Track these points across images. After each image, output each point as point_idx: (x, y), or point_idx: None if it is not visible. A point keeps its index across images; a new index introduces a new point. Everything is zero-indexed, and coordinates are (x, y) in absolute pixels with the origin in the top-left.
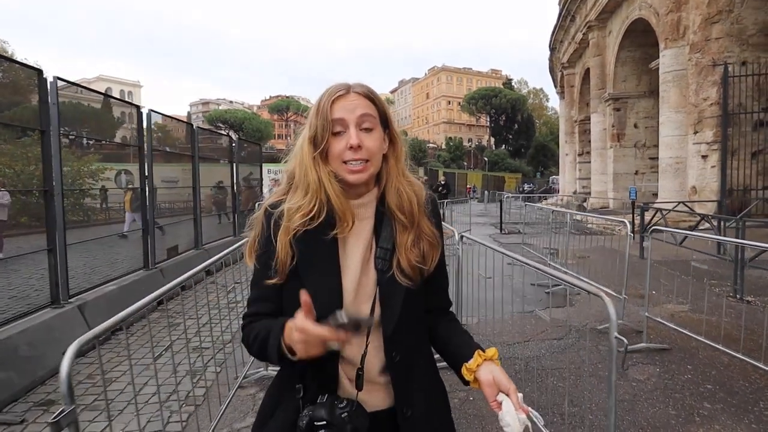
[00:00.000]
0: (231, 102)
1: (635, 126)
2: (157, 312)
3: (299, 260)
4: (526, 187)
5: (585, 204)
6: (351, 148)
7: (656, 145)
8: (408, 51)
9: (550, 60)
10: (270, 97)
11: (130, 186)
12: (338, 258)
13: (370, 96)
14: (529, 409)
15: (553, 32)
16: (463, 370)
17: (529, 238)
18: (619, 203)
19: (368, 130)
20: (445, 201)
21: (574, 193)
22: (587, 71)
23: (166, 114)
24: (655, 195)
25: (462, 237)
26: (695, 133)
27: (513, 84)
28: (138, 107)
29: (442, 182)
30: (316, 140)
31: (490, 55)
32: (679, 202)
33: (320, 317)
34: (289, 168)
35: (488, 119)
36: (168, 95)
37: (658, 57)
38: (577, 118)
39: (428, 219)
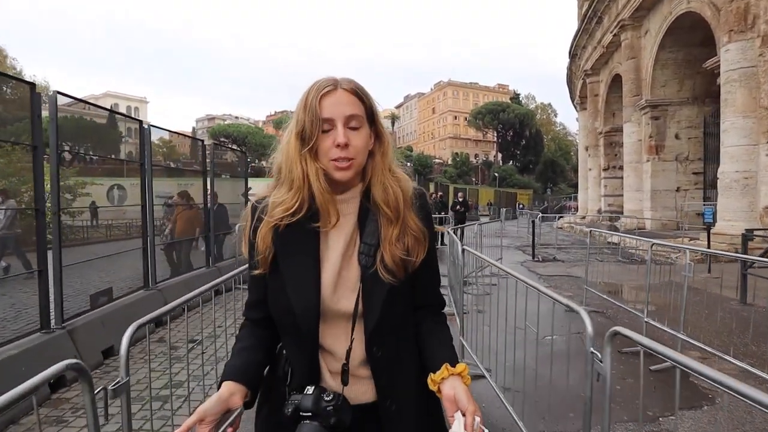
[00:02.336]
0: (236, 117)
1: (677, 137)
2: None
3: (278, 252)
4: (518, 207)
5: (617, 224)
6: (338, 146)
7: (701, 159)
8: (413, 66)
9: (569, 69)
10: (275, 112)
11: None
12: (318, 251)
13: (358, 92)
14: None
15: (575, 38)
16: (429, 379)
17: (575, 270)
18: (658, 224)
19: (355, 128)
20: (464, 224)
21: (599, 211)
22: (615, 78)
23: (88, 102)
24: (700, 215)
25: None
26: None
27: (521, 99)
28: (32, 85)
29: (460, 200)
30: (304, 136)
31: (497, 71)
32: None
33: (298, 308)
34: (277, 162)
35: (495, 134)
36: (175, 111)
37: (704, 57)
38: (602, 129)
39: (415, 214)
